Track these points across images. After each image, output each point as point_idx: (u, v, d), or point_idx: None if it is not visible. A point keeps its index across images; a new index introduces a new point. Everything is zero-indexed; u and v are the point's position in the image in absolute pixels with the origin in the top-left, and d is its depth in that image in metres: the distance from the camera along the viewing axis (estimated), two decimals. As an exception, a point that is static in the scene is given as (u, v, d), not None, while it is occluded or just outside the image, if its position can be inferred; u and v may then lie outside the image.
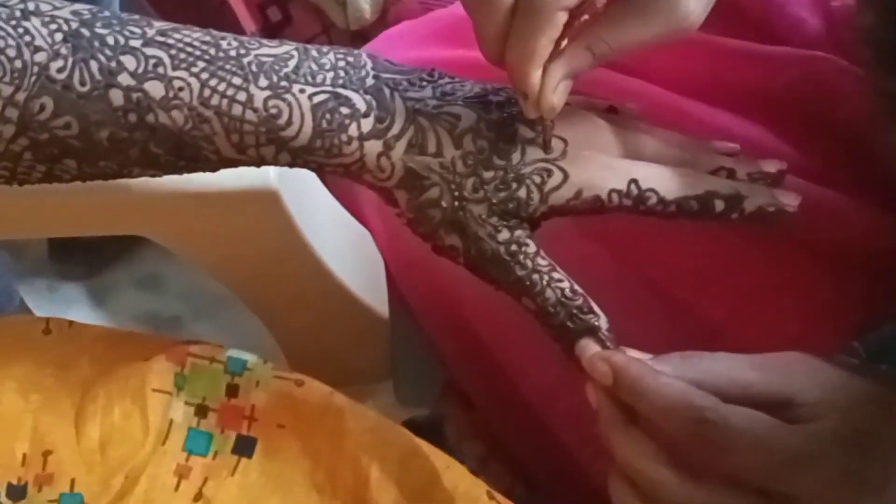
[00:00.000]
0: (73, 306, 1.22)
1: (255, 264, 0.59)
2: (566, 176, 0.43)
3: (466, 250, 0.44)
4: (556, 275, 0.43)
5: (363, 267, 0.63)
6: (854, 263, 0.60)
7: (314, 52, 0.43)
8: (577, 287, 0.43)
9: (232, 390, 0.51)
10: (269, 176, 0.52)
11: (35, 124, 0.41)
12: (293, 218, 0.55)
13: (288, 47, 0.43)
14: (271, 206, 0.53)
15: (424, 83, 0.44)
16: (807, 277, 0.62)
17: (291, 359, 0.67)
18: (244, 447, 0.50)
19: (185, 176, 0.46)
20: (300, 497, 0.49)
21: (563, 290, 0.43)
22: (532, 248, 0.43)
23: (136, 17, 0.43)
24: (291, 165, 0.44)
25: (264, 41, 0.43)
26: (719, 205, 0.43)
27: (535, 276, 0.43)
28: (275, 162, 0.43)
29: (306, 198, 0.57)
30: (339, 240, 0.61)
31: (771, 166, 0.46)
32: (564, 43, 0.41)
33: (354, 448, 0.50)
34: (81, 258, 1.11)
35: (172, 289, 1.16)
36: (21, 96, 0.40)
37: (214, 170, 0.45)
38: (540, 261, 0.43)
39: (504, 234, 0.43)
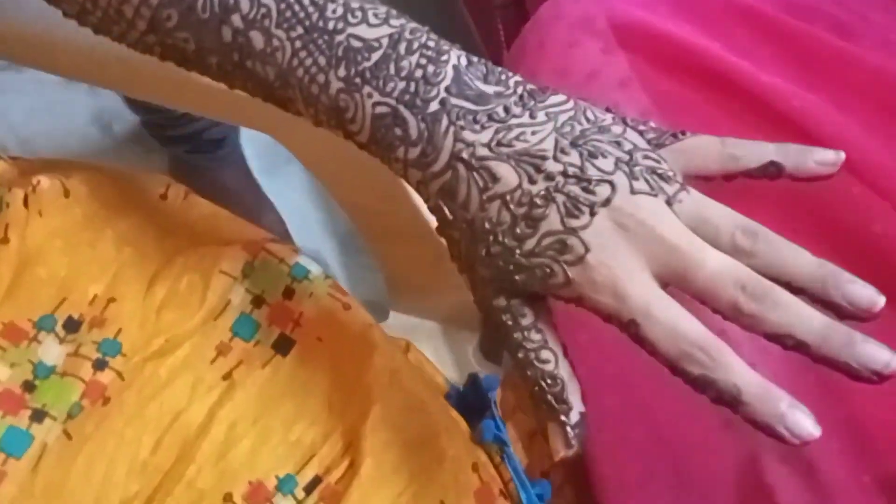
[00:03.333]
0: (292, 163, 1.32)
1: (365, 187, 0.63)
2: (570, 282, 0.40)
3: (474, 297, 0.44)
4: (544, 353, 0.41)
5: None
6: None
7: (402, 48, 0.42)
8: (561, 372, 0.41)
9: (288, 293, 0.56)
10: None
11: (162, 29, 0.45)
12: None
13: (383, 31, 0.42)
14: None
15: (490, 123, 0.41)
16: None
17: (391, 281, 0.71)
18: (283, 346, 0.55)
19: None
20: (312, 409, 0.53)
21: (544, 372, 0.41)
22: (528, 320, 0.41)
23: None
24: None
25: (371, 13, 0.43)
26: (710, 393, 0.38)
27: (522, 352, 0.41)
28: (347, 139, 0.45)
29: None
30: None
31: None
32: None
33: (370, 382, 0.53)
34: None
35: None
36: (154, 1, 0.45)
37: None
38: (533, 335, 0.41)
39: (501, 301, 0.42)
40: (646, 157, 0.41)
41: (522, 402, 0.68)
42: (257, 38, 0.43)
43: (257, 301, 0.56)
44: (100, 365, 0.51)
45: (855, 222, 0.55)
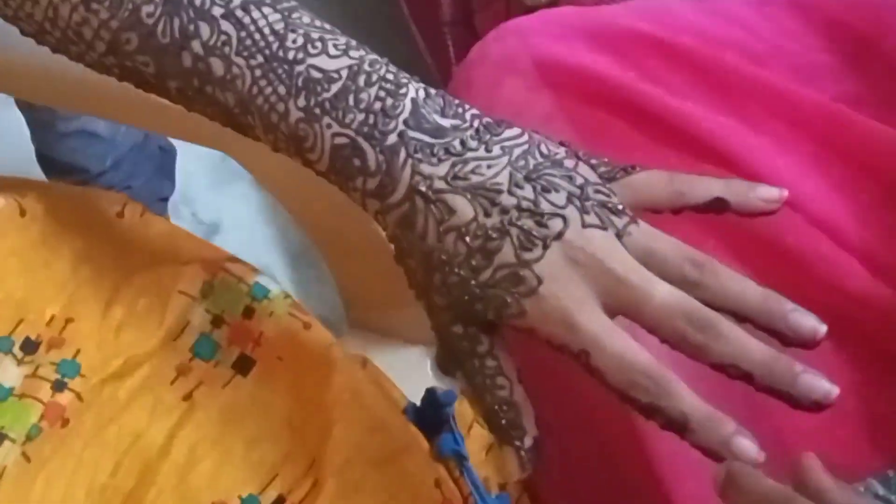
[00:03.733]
0: (238, 179, 1.32)
1: (321, 202, 0.63)
2: (523, 312, 0.41)
3: (431, 324, 0.44)
4: (499, 380, 0.42)
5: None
6: None
7: (361, 80, 0.43)
8: (515, 397, 0.42)
9: (248, 312, 0.56)
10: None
11: (122, 52, 0.45)
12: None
13: (343, 63, 0.43)
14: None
15: (447, 156, 0.42)
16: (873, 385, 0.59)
17: (346, 296, 0.71)
18: (243, 366, 0.55)
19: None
20: (273, 428, 0.53)
21: (499, 397, 0.42)
22: (483, 347, 0.42)
23: None
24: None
25: (331, 44, 0.44)
26: (659, 420, 0.39)
27: (479, 378, 0.42)
28: (306, 167, 0.45)
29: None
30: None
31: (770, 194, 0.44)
32: None
33: (331, 401, 0.53)
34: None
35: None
36: (114, 24, 0.45)
37: None
38: (489, 362, 0.42)
39: (457, 328, 0.42)
40: (597, 191, 0.42)
41: (479, 416, 0.69)
42: (217, 65, 0.44)
43: (217, 321, 0.56)
44: (59, 386, 0.50)
45: (768, 235, 0.58)
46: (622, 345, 0.39)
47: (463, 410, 0.66)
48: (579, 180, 0.42)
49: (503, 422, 0.42)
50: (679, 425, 0.38)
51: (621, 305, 0.40)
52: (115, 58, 0.46)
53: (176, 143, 1.20)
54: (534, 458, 0.42)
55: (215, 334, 0.56)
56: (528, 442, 0.42)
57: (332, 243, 0.67)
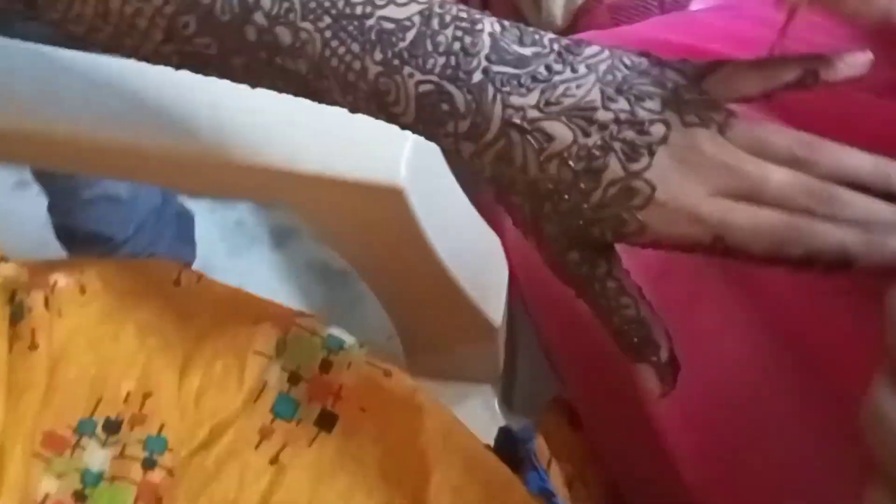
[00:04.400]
0: (256, 243, 1.31)
1: (377, 250, 0.62)
2: (643, 227, 0.40)
3: (543, 258, 0.43)
4: (623, 300, 0.42)
5: (483, 272, 0.65)
6: None
7: (435, 23, 0.42)
8: (642, 314, 0.42)
9: (325, 366, 0.54)
10: (398, 173, 0.55)
11: (180, 37, 0.44)
12: (417, 215, 0.57)
13: (413, 10, 0.42)
14: (396, 202, 0.56)
15: (535, 84, 0.41)
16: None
17: (406, 342, 0.69)
18: (326, 421, 0.53)
19: (321, 158, 0.52)
20: (368, 480, 0.52)
21: (626, 317, 0.41)
22: (602, 269, 0.42)
23: None
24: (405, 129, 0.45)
25: None
26: (822, 264, 0.38)
27: (602, 301, 0.42)
28: (390, 123, 0.44)
29: (436, 197, 0.59)
30: (463, 242, 0.63)
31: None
32: None
33: (425, 446, 0.52)
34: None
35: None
36: (169, 10, 0.43)
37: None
38: (609, 283, 0.42)
39: (573, 255, 0.42)
40: (689, 91, 0.41)
41: (557, 451, 0.68)
42: (284, 34, 0.42)
43: (294, 378, 0.54)
44: (148, 464, 0.49)
45: None
46: (749, 213, 0.39)
47: (541, 445, 0.65)
48: (670, 84, 0.42)
49: (634, 340, 0.42)
50: (842, 258, 0.37)
51: (739, 196, 0.39)
52: (174, 44, 0.44)
53: (192, 208, 1.19)
54: (672, 371, 0.42)
55: (293, 392, 0.54)
56: (664, 355, 0.41)
57: (388, 286, 0.66)
